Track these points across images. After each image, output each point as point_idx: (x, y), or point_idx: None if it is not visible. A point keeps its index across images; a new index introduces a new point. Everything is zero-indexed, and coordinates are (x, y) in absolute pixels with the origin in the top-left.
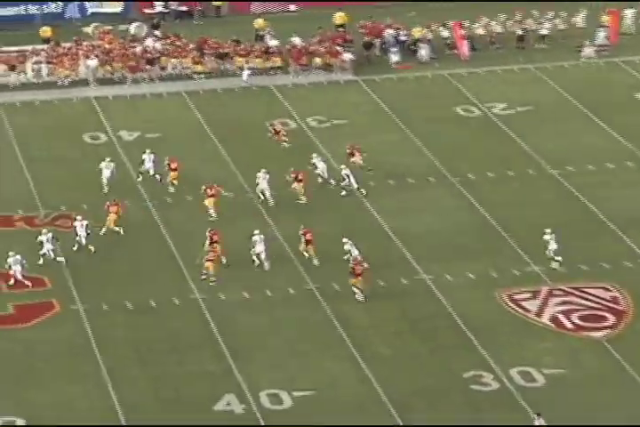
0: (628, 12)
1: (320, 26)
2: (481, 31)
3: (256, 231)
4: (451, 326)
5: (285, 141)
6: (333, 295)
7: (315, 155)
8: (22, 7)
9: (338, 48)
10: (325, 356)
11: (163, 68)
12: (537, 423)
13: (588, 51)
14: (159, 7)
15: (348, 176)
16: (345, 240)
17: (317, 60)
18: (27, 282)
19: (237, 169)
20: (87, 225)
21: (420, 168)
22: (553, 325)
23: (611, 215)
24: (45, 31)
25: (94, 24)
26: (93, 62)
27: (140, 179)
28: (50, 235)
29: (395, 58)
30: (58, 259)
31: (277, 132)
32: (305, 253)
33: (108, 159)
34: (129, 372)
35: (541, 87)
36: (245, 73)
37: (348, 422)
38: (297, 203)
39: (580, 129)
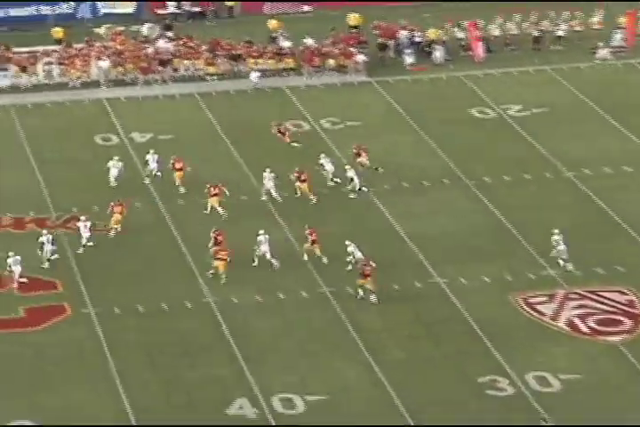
0: None
1: (334, 27)
2: (496, 32)
3: (261, 231)
4: (465, 330)
5: (295, 141)
6: (346, 298)
7: (323, 155)
8: (34, 7)
9: (352, 49)
10: (338, 359)
11: (175, 70)
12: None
13: (602, 52)
14: (172, 8)
15: (352, 179)
16: (348, 242)
17: (331, 62)
18: (22, 280)
19: (250, 171)
20: (91, 226)
21: (434, 170)
22: (569, 329)
23: (627, 218)
24: (57, 32)
25: (106, 25)
26: (105, 64)
27: (147, 181)
28: (49, 236)
29: (409, 59)
30: (52, 257)
31: (283, 133)
32: (307, 253)
33: (117, 158)
34: (140, 376)
35: (557, 89)
36: (254, 75)
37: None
38: (308, 204)
39: (596, 131)
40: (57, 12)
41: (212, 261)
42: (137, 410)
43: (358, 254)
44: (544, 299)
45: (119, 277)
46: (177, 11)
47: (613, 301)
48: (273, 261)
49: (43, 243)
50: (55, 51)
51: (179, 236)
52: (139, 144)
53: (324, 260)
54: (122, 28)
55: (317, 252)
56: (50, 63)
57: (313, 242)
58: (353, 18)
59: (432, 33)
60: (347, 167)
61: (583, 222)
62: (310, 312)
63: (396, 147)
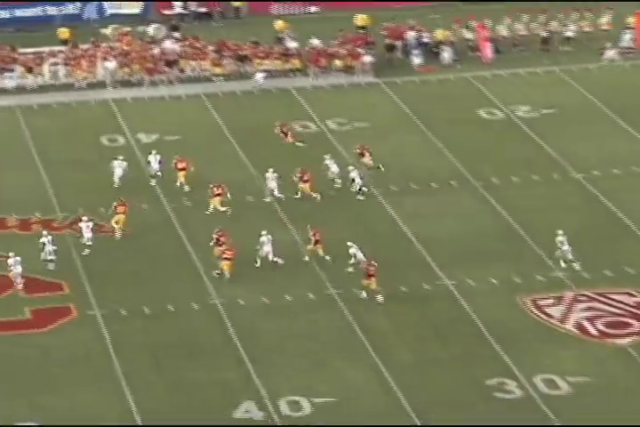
0: None
1: (341, 28)
2: (504, 33)
3: (263, 232)
4: (473, 332)
5: (301, 141)
6: (353, 300)
7: (328, 156)
8: (40, 8)
9: (359, 50)
10: (346, 361)
11: (181, 71)
12: None
13: (610, 53)
14: (178, 8)
15: (353, 179)
16: (350, 244)
17: (337, 63)
18: (19, 280)
19: (256, 171)
20: (93, 227)
21: (442, 171)
22: (577, 331)
23: (636, 220)
24: (63, 32)
25: (113, 26)
26: (111, 64)
27: (153, 183)
28: (50, 237)
29: (417, 60)
30: (49, 257)
31: (285, 133)
32: (310, 254)
33: (121, 158)
34: (146, 377)
35: (566, 90)
36: (259, 75)
37: None
38: (313, 205)
39: (605, 132)
40: (63, 12)
41: (219, 261)
42: (142, 412)
43: (360, 256)
44: (552, 301)
45: (125, 278)
46: (183, 11)
47: (622, 303)
48: (277, 259)
49: (44, 244)
50: (61, 51)
51: (185, 236)
52: (145, 145)
53: (327, 258)
54: (128, 29)
55: (320, 252)
56: (56, 64)
57: (316, 242)
58: (360, 18)
59: (440, 34)
60: (350, 168)
61: (592, 224)
62: (317, 314)
63: (403, 148)
